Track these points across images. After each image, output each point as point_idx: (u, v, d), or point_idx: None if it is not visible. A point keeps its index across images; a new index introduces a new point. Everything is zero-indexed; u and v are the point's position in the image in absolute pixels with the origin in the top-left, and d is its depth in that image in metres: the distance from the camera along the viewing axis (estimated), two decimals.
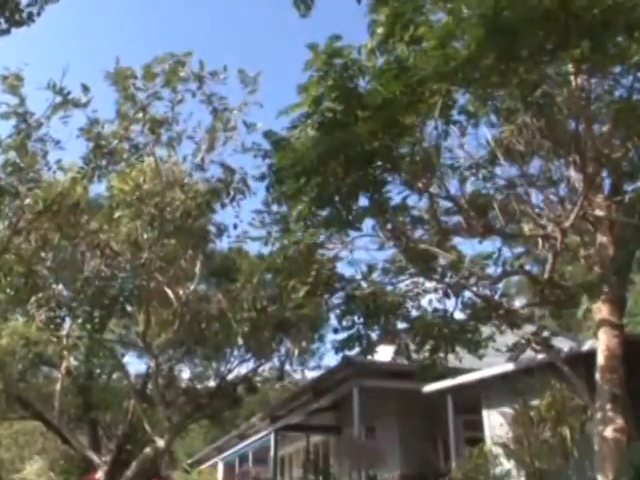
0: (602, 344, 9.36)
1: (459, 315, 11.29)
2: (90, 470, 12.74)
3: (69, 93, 9.59)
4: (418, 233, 10.67)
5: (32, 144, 9.73)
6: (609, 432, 8.80)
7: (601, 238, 9.76)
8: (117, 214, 10.64)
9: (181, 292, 12.42)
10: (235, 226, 11.26)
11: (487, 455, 14.70)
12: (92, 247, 11.34)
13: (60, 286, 11.81)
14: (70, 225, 10.52)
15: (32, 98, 9.82)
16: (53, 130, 10.00)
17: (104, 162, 9.91)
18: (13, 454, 27.01)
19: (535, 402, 12.12)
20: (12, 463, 24.77)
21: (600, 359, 9.28)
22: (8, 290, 10.93)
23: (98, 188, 11.43)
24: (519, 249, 11.28)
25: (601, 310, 9.55)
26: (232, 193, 11.16)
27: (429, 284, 11.13)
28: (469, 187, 10.35)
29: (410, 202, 9.71)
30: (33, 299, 10.75)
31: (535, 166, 10.30)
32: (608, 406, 8.93)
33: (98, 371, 19.89)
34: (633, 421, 8.99)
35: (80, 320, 11.16)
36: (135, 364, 75.13)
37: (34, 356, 15.64)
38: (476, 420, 15.97)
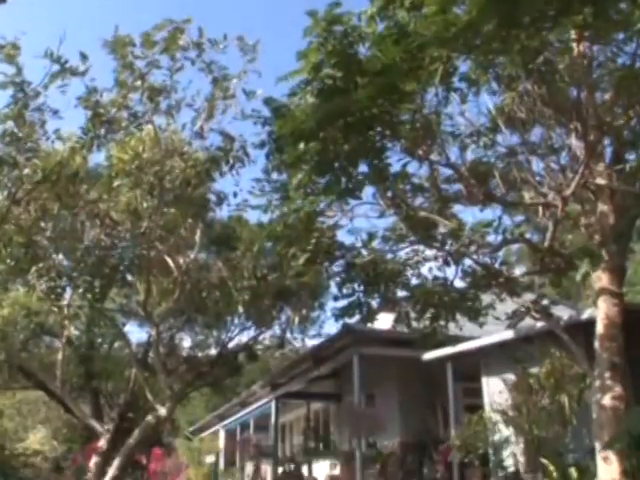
0: (601, 313, 9.38)
1: (459, 283, 11.32)
2: (93, 438, 12.84)
3: (67, 62, 9.51)
4: (418, 201, 10.65)
5: (30, 114, 9.66)
6: (607, 400, 8.85)
7: (602, 207, 9.74)
8: (116, 183, 10.59)
9: (181, 261, 12.43)
10: (235, 194, 11.22)
11: (486, 422, 14.84)
12: (92, 217, 11.31)
13: (60, 256, 11.81)
14: (69, 195, 10.48)
15: (29, 67, 9.75)
16: (51, 100, 9.94)
17: (103, 131, 9.84)
18: (16, 424, 27.23)
19: (534, 370, 12.20)
20: (16, 432, 24.95)
21: (599, 327, 9.30)
22: (8, 260, 10.92)
23: (97, 157, 11.39)
24: (519, 217, 11.28)
25: (601, 279, 9.56)
26: (232, 161, 11.11)
27: (429, 252, 11.14)
28: (470, 155, 10.31)
29: (410, 170, 9.69)
30: (33, 269, 10.73)
31: (536, 134, 10.25)
32: (607, 374, 8.97)
33: (99, 340, 19.97)
34: (632, 390, 9.02)
35: (81, 290, 11.16)
36: (136, 333, 75.55)
37: (35, 326, 15.70)
38: (475, 388, 16.08)
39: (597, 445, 8.91)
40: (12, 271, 11.16)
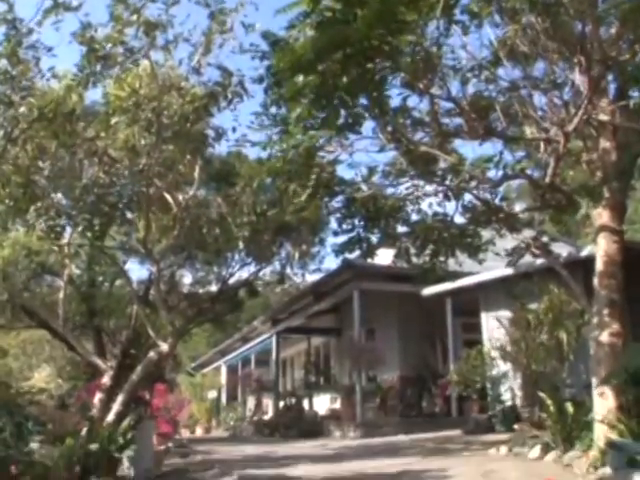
0: (601, 250, 9.41)
1: (459, 219, 11.35)
2: (96, 375, 12.97)
3: None
4: (418, 135, 10.57)
5: (23, 51, 9.49)
6: (605, 337, 8.95)
7: (604, 143, 9.69)
8: (114, 120, 10.46)
9: (181, 197, 12.36)
10: (234, 129, 11.09)
11: (484, 357, 15.07)
12: (90, 155, 11.21)
13: (59, 195, 11.74)
14: (66, 133, 10.36)
15: (21, 3, 9.55)
16: (45, 37, 9.76)
17: (99, 68, 9.69)
18: (21, 363, 27.61)
19: (533, 306, 12.31)
20: (21, 371, 25.34)
21: (599, 264, 9.35)
22: (7, 201, 10.88)
23: (94, 95, 11.25)
24: (520, 153, 11.21)
25: (601, 216, 9.56)
26: (230, 96, 10.96)
27: (429, 187, 11.13)
28: (471, 89, 10.18)
29: (410, 104, 9.60)
30: (32, 209, 10.68)
31: (539, 68, 10.12)
32: (605, 311, 9.05)
33: (100, 278, 20.03)
34: (629, 327, 9.13)
35: (80, 228, 11.14)
36: (137, 270, 75.80)
37: (36, 266, 15.74)
38: (474, 323, 16.28)
39: (594, 381, 9.04)
40: (11, 211, 11.12)
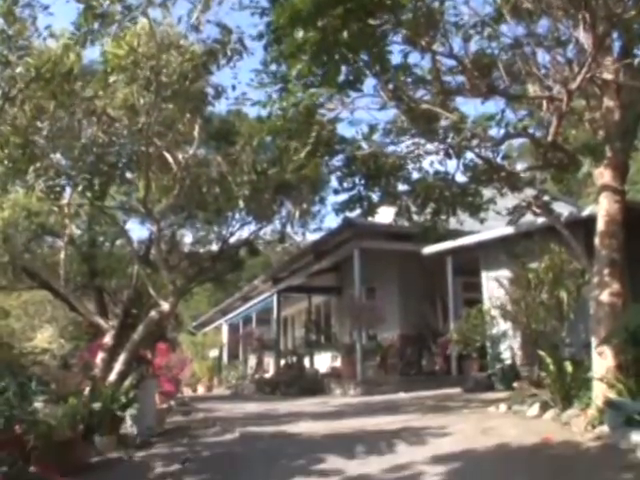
0: (602, 209, 9.39)
1: (460, 178, 11.31)
2: (98, 335, 13.06)
3: None
4: (420, 93, 10.48)
5: (20, 10, 9.37)
6: (605, 296, 8.97)
7: (608, 102, 9.61)
8: (112, 79, 10.37)
9: (180, 156, 12.33)
10: (233, 87, 11.00)
11: (484, 316, 15.13)
12: (88, 114, 11.13)
13: (58, 155, 11.68)
14: (65, 93, 10.26)
15: None
16: None
17: (96, 26, 9.57)
18: (24, 323, 27.77)
19: (533, 265, 12.33)
20: (23, 332, 25.46)
21: (600, 224, 9.33)
22: (6, 162, 10.83)
23: (92, 54, 11.15)
24: (523, 111, 11.14)
25: (603, 175, 9.53)
26: (229, 54, 10.85)
27: (430, 145, 11.07)
28: (473, 46, 10.06)
29: (412, 61, 9.50)
30: (31, 169, 10.61)
31: (543, 25, 9.98)
32: (606, 271, 9.06)
33: (101, 239, 20.07)
34: (629, 286, 9.15)
35: (80, 188, 11.09)
36: (137, 230, 75.99)
37: (37, 227, 15.72)
38: (475, 282, 16.32)
39: (593, 340, 9.09)
40: (10, 172, 11.07)
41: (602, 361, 8.71)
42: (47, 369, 11.13)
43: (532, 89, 10.10)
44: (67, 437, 8.16)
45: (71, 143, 11.10)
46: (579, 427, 8.37)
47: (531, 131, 10.40)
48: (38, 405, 8.27)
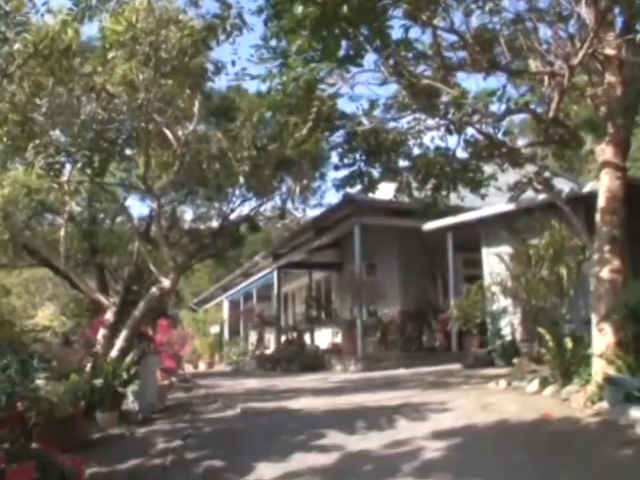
0: (604, 186, 9.37)
1: (461, 154, 11.29)
2: (99, 312, 13.08)
3: None
4: (421, 69, 10.43)
5: None
6: (606, 273, 8.98)
7: (610, 78, 9.55)
8: (111, 55, 10.30)
9: (180, 133, 12.28)
10: (233, 63, 10.91)
11: (485, 292, 15.16)
12: (87, 90, 11.05)
13: (57, 132, 11.62)
14: (63, 69, 10.19)
15: None
16: None
17: (94, 1, 9.49)
18: (25, 301, 27.80)
19: (534, 241, 12.34)
20: (24, 310, 25.47)
21: (601, 200, 9.31)
22: (5, 139, 10.78)
23: (90, 30, 11.05)
24: (524, 87, 11.09)
25: (604, 152, 9.49)
26: (229, 29, 10.76)
27: (431, 121, 11.03)
28: (475, 21, 9.98)
29: (413, 36, 9.45)
30: (31, 146, 10.55)
31: (544, 0, 9.93)
32: (606, 247, 9.06)
33: (101, 216, 20.02)
34: (630, 263, 9.15)
35: (80, 165, 11.06)
36: (137, 207, 75.85)
37: (37, 204, 15.68)
38: (475, 258, 16.34)
39: (593, 316, 9.11)
40: (10, 150, 11.03)
41: (602, 337, 8.74)
42: (49, 346, 11.16)
43: (534, 65, 10.05)
44: (69, 414, 8.21)
45: (70, 120, 11.03)
46: (578, 403, 8.42)
47: (532, 107, 10.36)
48: (40, 382, 8.31)
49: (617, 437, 6.84)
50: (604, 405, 7.97)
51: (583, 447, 6.74)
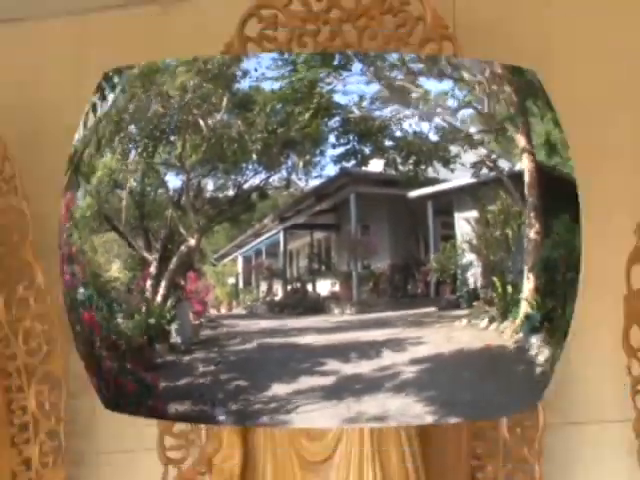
0: (524, 166, 10.80)
1: (434, 137, 12.78)
2: (146, 266, 14.58)
3: None
4: (395, 74, 11.80)
5: None
6: (532, 234, 10.50)
7: None
8: (180, 69, 11.62)
9: (210, 122, 13.65)
10: (255, 70, 12.28)
11: (457, 249, 16.76)
12: (157, 96, 12.38)
13: (132, 126, 12.99)
14: (148, 83, 11.50)
15: None
16: None
17: None
18: (104, 259, 29.26)
19: (492, 207, 13.93)
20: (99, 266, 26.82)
21: (526, 177, 10.76)
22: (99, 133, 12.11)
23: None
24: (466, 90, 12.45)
25: (520, 140, 10.86)
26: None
27: (407, 112, 12.46)
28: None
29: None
30: (117, 139, 11.89)
31: None
32: (532, 214, 10.56)
33: (148, 189, 21.53)
34: (548, 226, 10.65)
35: (140, 150, 12.49)
36: (172, 181, 76.95)
37: (113, 182, 17.22)
38: (450, 222, 17.90)
39: (525, 268, 10.67)
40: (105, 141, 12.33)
41: (527, 284, 10.29)
42: (119, 293, 12.70)
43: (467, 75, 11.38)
44: (139, 343, 9.78)
45: (140, 116, 12.42)
46: (507, 335, 10.02)
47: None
48: (120, 321, 9.86)
49: (523, 357, 8.47)
50: (521, 335, 9.59)
51: (505, 364, 8.38)
